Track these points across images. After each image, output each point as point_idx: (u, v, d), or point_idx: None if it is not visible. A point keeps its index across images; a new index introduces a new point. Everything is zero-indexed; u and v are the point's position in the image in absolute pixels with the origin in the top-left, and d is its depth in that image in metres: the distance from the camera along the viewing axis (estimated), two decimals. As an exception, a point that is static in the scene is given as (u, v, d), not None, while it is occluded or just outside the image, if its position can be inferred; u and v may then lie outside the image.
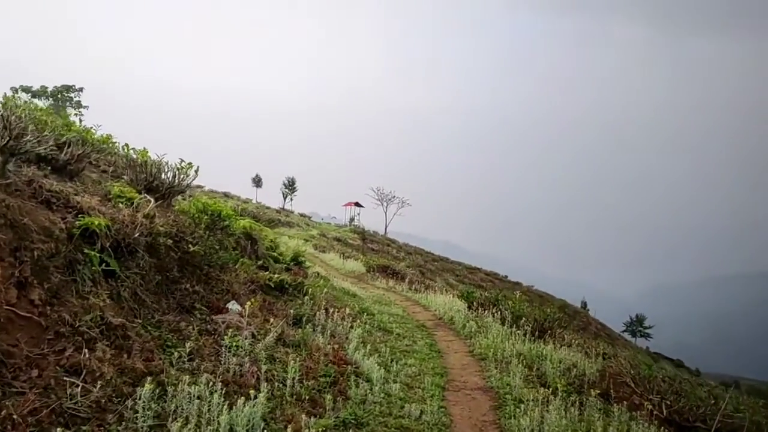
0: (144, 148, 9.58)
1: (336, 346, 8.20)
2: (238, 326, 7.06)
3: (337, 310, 10.20)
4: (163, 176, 8.69)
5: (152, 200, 7.60)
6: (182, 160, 9.13)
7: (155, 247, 7.12)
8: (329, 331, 8.89)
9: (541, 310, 13.80)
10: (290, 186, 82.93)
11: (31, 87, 57.80)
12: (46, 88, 59.91)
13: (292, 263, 14.39)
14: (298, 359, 6.90)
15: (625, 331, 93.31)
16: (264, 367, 6.28)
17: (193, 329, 6.65)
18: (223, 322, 6.95)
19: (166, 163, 9.22)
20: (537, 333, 11.89)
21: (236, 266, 9.26)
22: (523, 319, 11.80)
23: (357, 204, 79.85)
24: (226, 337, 6.58)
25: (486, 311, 12.79)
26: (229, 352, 6.28)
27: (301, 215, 71.47)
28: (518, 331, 11.32)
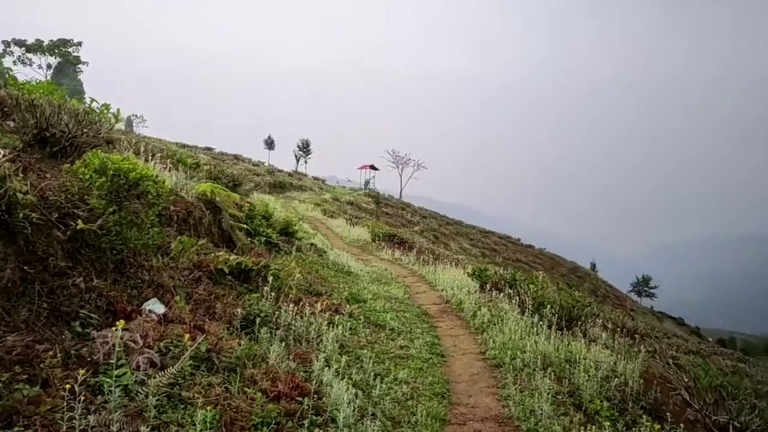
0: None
1: (295, 364, 5.48)
2: (128, 346, 4.33)
3: (315, 300, 7.49)
4: (63, 124, 5.91)
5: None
6: (93, 100, 6.39)
7: (10, 224, 4.42)
8: (293, 337, 6.18)
9: (569, 294, 10.89)
10: (304, 148, 79.41)
11: (25, 41, 54.42)
12: (42, 42, 56.34)
13: (277, 236, 11.67)
14: (222, 398, 4.22)
15: (631, 291, 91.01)
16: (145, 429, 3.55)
17: (56, 357, 3.99)
18: (104, 343, 4.20)
19: (84, 110, 6.44)
20: (565, 324, 9.07)
21: (175, 248, 6.52)
22: (548, 306, 8.97)
23: (372, 167, 76.33)
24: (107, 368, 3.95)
25: (501, 293, 10.04)
26: (95, 399, 3.62)
27: (315, 179, 68.53)
28: (541, 323, 8.50)
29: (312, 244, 13.95)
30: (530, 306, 9.18)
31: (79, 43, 59.39)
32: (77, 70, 60.59)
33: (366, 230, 21.10)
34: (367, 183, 75.58)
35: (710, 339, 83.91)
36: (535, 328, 8.37)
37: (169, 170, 8.94)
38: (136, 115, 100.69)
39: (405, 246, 18.53)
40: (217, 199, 8.67)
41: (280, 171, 60.28)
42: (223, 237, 8.68)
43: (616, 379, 7.12)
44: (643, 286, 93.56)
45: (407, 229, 43.41)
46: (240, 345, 5.29)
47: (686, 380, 7.77)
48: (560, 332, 8.65)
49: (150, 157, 9.05)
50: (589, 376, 6.93)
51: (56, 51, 57.03)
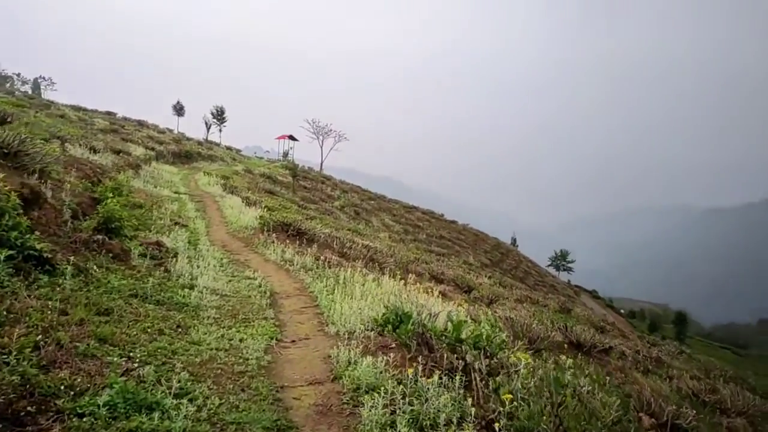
0: None
1: None
2: None
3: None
4: None
5: None
6: None
7: None
8: None
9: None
10: (219, 116, 72.28)
11: None
12: None
13: (92, 233, 7.21)
14: None
15: (550, 265, 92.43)
16: None
17: None
18: None
19: None
20: None
21: None
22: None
23: (291, 137, 70.80)
24: None
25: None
26: None
27: (228, 148, 62.41)
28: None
29: (157, 244, 9.54)
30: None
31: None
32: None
33: (264, 213, 16.66)
34: (285, 154, 70.22)
35: (622, 310, 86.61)
36: None
37: None
38: (43, 78, 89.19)
39: (303, 239, 14.27)
40: None
41: (188, 139, 53.91)
42: None
43: None
44: (560, 260, 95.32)
45: (323, 205, 39.30)
46: None
47: None
48: None
49: None
50: None
51: None
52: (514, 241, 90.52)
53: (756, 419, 10.40)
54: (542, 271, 74.68)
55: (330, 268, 11.70)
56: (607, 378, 10.55)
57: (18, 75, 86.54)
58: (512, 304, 19.32)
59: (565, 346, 11.70)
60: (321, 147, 73.84)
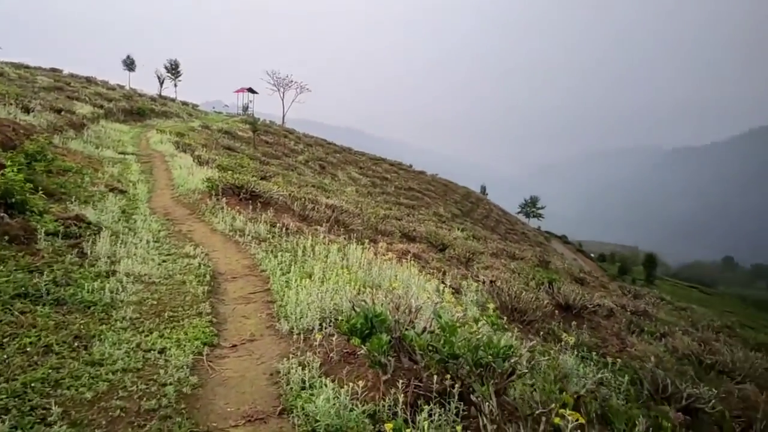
0: None
1: None
2: None
3: None
4: None
5: None
6: None
7: None
8: None
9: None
10: (173, 70, 68.20)
11: None
12: None
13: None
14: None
15: (520, 212, 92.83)
16: None
17: None
18: None
19: None
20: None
21: None
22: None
23: (250, 90, 67.55)
24: None
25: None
26: None
27: (184, 104, 59.15)
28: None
29: (77, 218, 7.96)
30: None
31: None
32: None
33: (213, 174, 14.92)
34: (245, 108, 67.16)
35: (592, 254, 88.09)
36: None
37: None
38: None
39: (258, 203, 12.68)
40: None
41: (141, 96, 50.67)
42: None
43: None
44: (530, 207, 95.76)
45: (287, 160, 37.48)
46: None
47: None
48: None
49: None
50: None
51: None
52: (483, 190, 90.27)
53: (763, 382, 9.66)
54: (513, 219, 74.69)
55: (288, 236, 10.29)
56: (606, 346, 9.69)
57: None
58: (489, 260, 18.39)
59: (555, 312, 10.74)
60: (282, 100, 70.96)
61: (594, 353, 7.63)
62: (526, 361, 4.32)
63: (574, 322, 10.08)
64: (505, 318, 7.99)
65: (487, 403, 2.60)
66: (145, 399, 3.80)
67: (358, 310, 4.10)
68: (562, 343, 5.92)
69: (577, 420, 1.97)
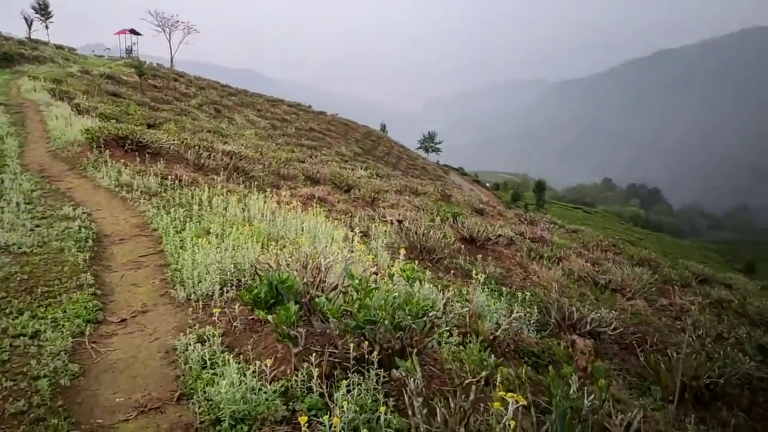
0: None
1: None
2: None
3: None
4: None
5: None
6: None
7: None
8: None
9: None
10: (42, 11, 60.16)
11: None
12: None
13: None
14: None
15: (419, 147, 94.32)
16: None
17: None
18: None
19: None
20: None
21: None
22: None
23: (133, 31, 61.67)
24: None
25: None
26: None
27: (58, 47, 52.96)
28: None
29: None
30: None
31: None
32: None
33: (93, 124, 13.37)
34: (129, 51, 61.40)
35: (488, 184, 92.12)
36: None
37: None
38: None
39: (146, 153, 11.51)
40: None
41: (7, 39, 44.44)
42: None
43: None
44: (429, 142, 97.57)
45: (179, 105, 35.07)
46: None
47: None
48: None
49: None
50: None
51: None
52: (383, 128, 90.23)
53: (650, 297, 10.47)
54: (413, 154, 75.54)
55: (182, 189, 9.48)
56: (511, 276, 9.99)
57: None
58: (394, 197, 18.37)
59: (461, 247, 10.87)
60: (169, 41, 65.49)
61: (503, 287, 7.78)
62: (443, 306, 4.17)
63: (479, 255, 10.29)
64: (417, 262, 7.89)
65: (412, 378, 2.34)
66: (10, 400, 3.19)
67: (261, 275, 3.67)
68: (473, 280, 5.86)
69: (518, 403, 1.74)
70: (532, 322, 5.96)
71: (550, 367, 2.70)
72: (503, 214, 24.00)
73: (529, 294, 6.83)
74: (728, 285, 15.21)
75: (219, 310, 4.19)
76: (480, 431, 2.21)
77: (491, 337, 4.74)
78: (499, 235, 12.75)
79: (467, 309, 4.95)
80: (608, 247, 17.66)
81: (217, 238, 6.21)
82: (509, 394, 1.81)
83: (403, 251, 6.11)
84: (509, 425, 1.84)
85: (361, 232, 8.42)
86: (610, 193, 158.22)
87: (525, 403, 1.83)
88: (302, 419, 2.49)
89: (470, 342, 4.55)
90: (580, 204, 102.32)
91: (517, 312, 5.16)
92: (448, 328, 4.22)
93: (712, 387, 4.88)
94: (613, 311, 7.14)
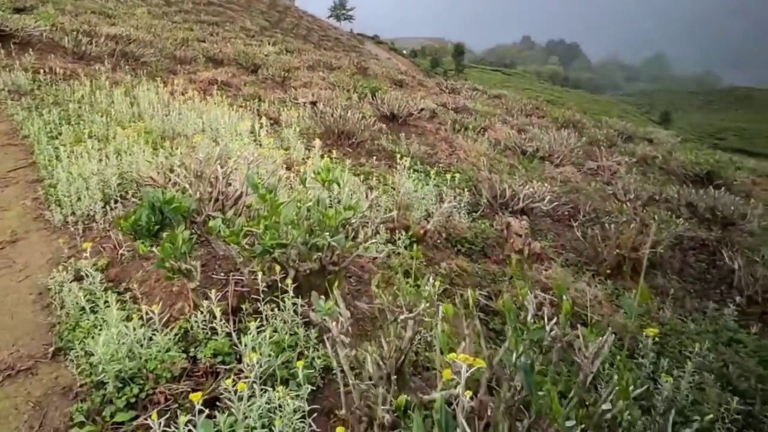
0: None
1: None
2: None
3: None
4: None
5: None
6: None
7: None
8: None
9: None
10: None
11: None
12: None
13: None
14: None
15: (330, 16, 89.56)
16: None
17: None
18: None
19: None
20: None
21: None
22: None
23: None
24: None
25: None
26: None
27: None
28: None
29: None
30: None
31: None
32: None
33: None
34: None
35: (405, 51, 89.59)
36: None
37: None
38: None
39: (11, 43, 9.59)
40: None
41: None
42: None
43: None
44: (340, 9, 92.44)
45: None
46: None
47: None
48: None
49: None
50: None
51: None
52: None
53: (578, 161, 10.47)
54: (324, 24, 71.22)
55: (58, 85, 8.13)
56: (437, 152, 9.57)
57: None
58: (306, 75, 17.14)
59: (383, 126, 10.23)
60: None
61: (430, 167, 7.35)
62: (369, 202, 3.67)
63: (402, 133, 9.78)
64: (335, 149, 7.26)
65: (334, 323, 1.86)
66: None
67: (142, 193, 2.95)
68: (398, 165, 5.37)
69: (473, 367, 1.30)
70: (462, 204, 5.63)
71: (505, 294, 2.31)
72: (423, 84, 23.23)
73: (458, 174, 6.44)
74: (650, 140, 15.68)
75: (90, 245, 3.39)
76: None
77: (422, 231, 4.34)
78: (422, 109, 12.19)
79: (394, 201, 4.47)
80: (532, 111, 17.56)
81: (99, 142, 5.30)
82: (461, 355, 1.36)
83: (318, 140, 5.46)
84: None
85: (270, 119, 7.61)
86: (530, 52, 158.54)
87: (483, 365, 1.38)
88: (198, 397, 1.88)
89: (399, 238, 4.14)
90: (500, 66, 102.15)
91: (448, 201, 4.76)
92: (374, 227, 3.76)
93: (650, 257, 4.82)
94: (545, 183, 6.96)
